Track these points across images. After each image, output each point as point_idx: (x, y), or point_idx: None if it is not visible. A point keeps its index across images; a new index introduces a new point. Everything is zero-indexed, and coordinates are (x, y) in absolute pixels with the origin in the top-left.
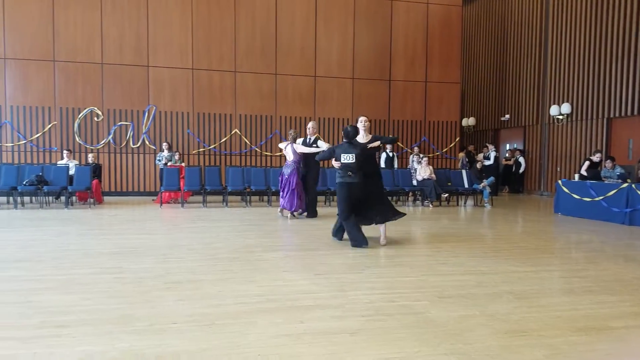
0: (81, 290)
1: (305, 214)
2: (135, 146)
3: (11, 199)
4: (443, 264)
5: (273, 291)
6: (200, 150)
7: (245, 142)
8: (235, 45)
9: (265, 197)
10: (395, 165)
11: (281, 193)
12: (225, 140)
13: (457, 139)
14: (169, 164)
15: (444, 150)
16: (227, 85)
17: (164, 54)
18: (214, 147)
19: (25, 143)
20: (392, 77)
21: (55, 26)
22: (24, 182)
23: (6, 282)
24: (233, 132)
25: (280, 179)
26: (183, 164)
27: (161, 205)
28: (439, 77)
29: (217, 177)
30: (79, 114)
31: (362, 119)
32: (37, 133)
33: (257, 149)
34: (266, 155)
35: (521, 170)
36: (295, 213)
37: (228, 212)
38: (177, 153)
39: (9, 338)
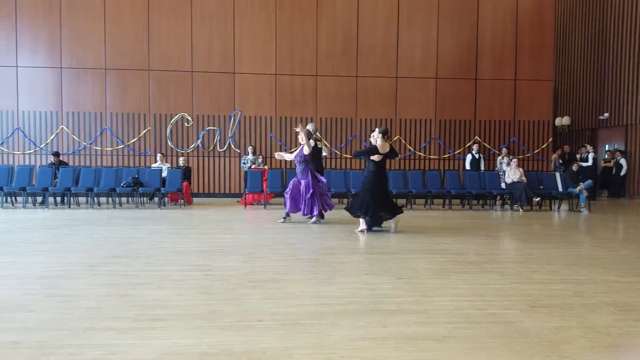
0: (174, 286)
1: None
2: (221, 150)
3: (110, 199)
4: (535, 272)
5: (354, 294)
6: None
7: (326, 145)
8: (316, 49)
9: (345, 200)
10: (482, 168)
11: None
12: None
13: (550, 140)
14: (253, 166)
15: (536, 151)
16: (308, 89)
17: (249, 61)
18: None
19: (122, 147)
20: (478, 76)
21: (150, 38)
22: (122, 184)
23: (107, 276)
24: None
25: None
26: (266, 167)
27: (245, 206)
28: (530, 74)
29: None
30: (171, 119)
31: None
32: (134, 138)
33: (337, 151)
34: (346, 158)
35: (622, 173)
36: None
37: None
38: (260, 156)
39: (109, 329)
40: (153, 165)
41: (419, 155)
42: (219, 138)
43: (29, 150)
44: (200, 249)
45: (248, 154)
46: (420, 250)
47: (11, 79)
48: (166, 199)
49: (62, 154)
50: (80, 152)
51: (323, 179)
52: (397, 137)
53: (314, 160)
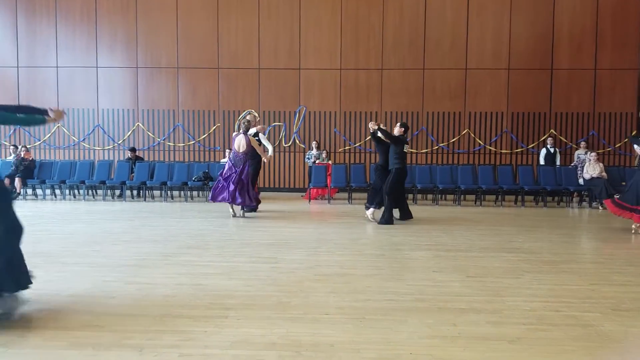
0: (243, 277)
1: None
2: (286, 145)
3: (182, 193)
4: (617, 273)
5: (422, 291)
6: (347, 148)
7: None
8: (382, 43)
9: (411, 195)
10: (558, 162)
11: (219, 184)
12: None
13: (634, 133)
14: (317, 161)
15: (617, 145)
16: (374, 83)
17: (314, 56)
18: (360, 145)
19: (193, 143)
20: (554, 66)
21: (219, 36)
22: (193, 178)
23: (181, 266)
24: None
25: (226, 170)
26: (330, 162)
27: (310, 201)
28: (612, 63)
29: (362, 174)
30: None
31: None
32: (204, 134)
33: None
34: (412, 152)
35: None
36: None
37: None
38: (324, 151)
39: (184, 316)
40: (222, 160)
41: (490, 150)
42: (284, 133)
43: (108, 146)
44: (267, 242)
45: (312, 149)
46: (491, 248)
47: (92, 79)
48: None
49: (138, 150)
50: (154, 147)
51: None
52: (465, 131)
53: (255, 153)
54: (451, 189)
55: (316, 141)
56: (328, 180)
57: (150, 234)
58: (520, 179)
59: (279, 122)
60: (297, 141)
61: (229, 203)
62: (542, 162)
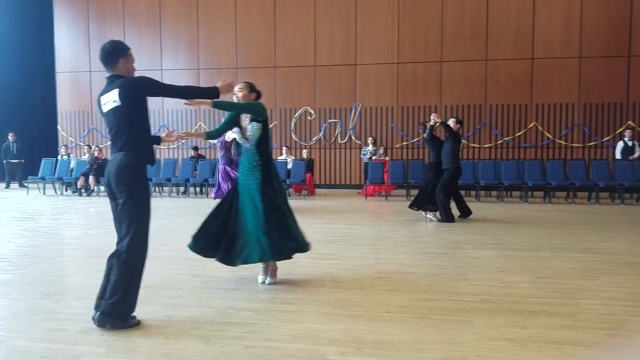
0: (302, 273)
1: None
2: (342, 142)
3: None
4: None
5: (488, 291)
6: (404, 143)
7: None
8: (442, 34)
9: (473, 192)
10: (637, 155)
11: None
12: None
13: None
14: (373, 158)
15: None
16: (433, 76)
17: (370, 51)
18: (418, 141)
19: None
20: (632, 52)
21: (276, 35)
22: None
23: None
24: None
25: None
26: (387, 158)
27: (366, 197)
28: None
29: (421, 170)
30: (295, 113)
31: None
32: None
33: (464, 140)
34: (473, 147)
35: None
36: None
37: None
38: (381, 147)
39: (247, 309)
40: (279, 157)
41: (559, 144)
42: (339, 130)
43: (173, 145)
44: (324, 238)
45: (368, 145)
46: (561, 248)
47: None
48: (291, 189)
49: (200, 148)
50: (215, 146)
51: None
52: (532, 124)
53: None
54: (517, 186)
55: (372, 137)
56: (385, 177)
57: None
58: (594, 174)
59: (335, 118)
60: (353, 137)
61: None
62: (618, 156)
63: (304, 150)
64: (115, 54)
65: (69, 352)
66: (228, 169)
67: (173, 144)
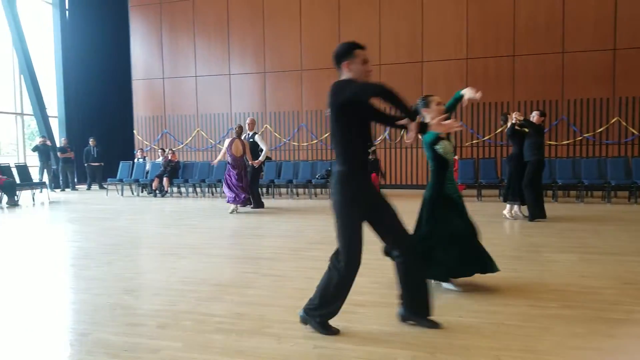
0: (371, 274)
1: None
2: (409, 141)
3: (306, 190)
4: None
5: (569, 297)
6: (474, 142)
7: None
8: (514, 27)
9: (550, 192)
10: None
11: (235, 189)
12: (501, 131)
13: None
14: None
15: None
16: (504, 71)
17: (437, 47)
18: (489, 139)
19: (316, 142)
20: None
21: (340, 36)
22: (317, 176)
23: (310, 261)
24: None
25: (231, 173)
26: (456, 157)
27: None
28: None
29: (493, 169)
30: None
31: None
32: (326, 133)
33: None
34: (550, 145)
35: None
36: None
37: (503, 206)
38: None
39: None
40: None
41: None
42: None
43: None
44: None
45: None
46: None
47: (225, 85)
48: None
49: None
50: (280, 147)
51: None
52: (615, 119)
53: (256, 153)
54: (599, 185)
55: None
56: (455, 176)
57: (280, 230)
58: None
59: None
60: (420, 136)
61: (233, 203)
62: None
63: (370, 151)
64: (338, 58)
65: (148, 346)
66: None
67: None
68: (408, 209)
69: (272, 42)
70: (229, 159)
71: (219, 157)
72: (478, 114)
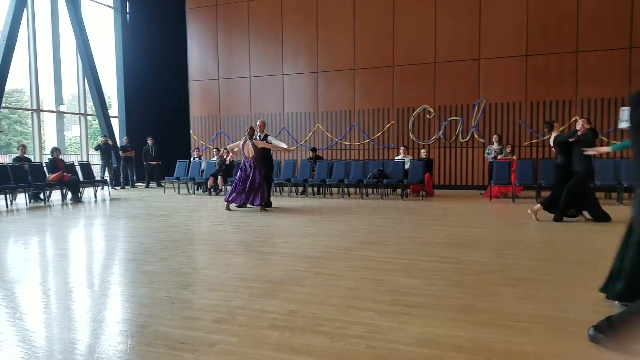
0: (424, 276)
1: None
2: (464, 140)
3: (358, 190)
4: None
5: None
6: (534, 141)
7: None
8: (577, 21)
9: (615, 194)
10: None
11: (236, 188)
12: (562, 130)
13: None
14: (499, 157)
15: None
16: (567, 68)
17: (496, 43)
18: (549, 138)
19: (368, 142)
20: None
21: (394, 34)
22: (368, 176)
23: (361, 261)
24: (572, 119)
25: (240, 175)
26: (514, 157)
27: (490, 199)
28: None
29: (553, 170)
30: (413, 112)
31: None
32: (378, 132)
33: (603, 137)
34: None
35: None
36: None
37: None
38: (508, 145)
39: (368, 309)
40: (396, 157)
41: None
42: (461, 128)
43: (292, 147)
44: (445, 241)
45: (493, 144)
46: None
47: (278, 86)
48: (408, 190)
49: (318, 149)
50: (332, 147)
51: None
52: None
53: (266, 156)
54: None
55: (497, 135)
56: (512, 177)
57: (332, 229)
58: None
59: (456, 116)
60: (476, 136)
61: (242, 206)
62: None
63: (422, 150)
64: None
65: (204, 340)
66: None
67: (292, 145)
68: (461, 210)
69: (325, 41)
70: (242, 160)
71: (230, 155)
72: (538, 112)
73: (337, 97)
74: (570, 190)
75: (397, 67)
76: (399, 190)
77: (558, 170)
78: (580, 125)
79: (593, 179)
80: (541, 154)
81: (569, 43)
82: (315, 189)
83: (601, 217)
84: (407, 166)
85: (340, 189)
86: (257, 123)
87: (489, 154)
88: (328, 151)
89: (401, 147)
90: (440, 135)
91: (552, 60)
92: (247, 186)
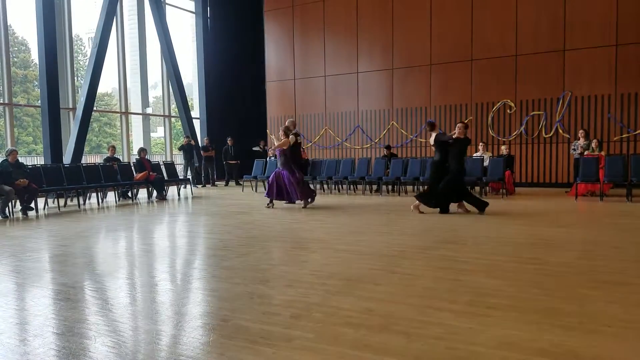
0: (504, 277)
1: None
2: (547, 136)
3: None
4: None
5: None
6: (624, 136)
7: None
8: None
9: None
10: None
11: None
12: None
13: None
14: (585, 153)
15: None
16: None
17: (582, 34)
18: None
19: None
20: None
21: (473, 28)
22: None
23: (438, 260)
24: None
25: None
26: (603, 153)
27: (576, 197)
28: None
29: None
30: (493, 107)
31: None
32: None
33: None
34: None
35: None
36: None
37: None
38: (595, 141)
39: (446, 309)
40: (475, 154)
41: None
42: (544, 123)
43: (366, 144)
44: (527, 241)
45: (579, 139)
46: None
47: (353, 84)
48: (488, 187)
49: (393, 147)
50: (407, 144)
51: (297, 172)
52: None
53: (292, 154)
54: None
55: (584, 130)
56: (600, 174)
57: (406, 227)
58: None
59: (538, 111)
60: (561, 131)
61: (287, 202)
62: None
63: (503, 146)
64: None
65: (282, 335)
66: (284, 173)
67: (367, 143)
68: (544, 209)
69: (401, 37)
70: (281, 157)
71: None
72: (629, 105)
73: (413, 93)
74: (448, 185)
75: (476, 61)
76: (477, 188)
77: (434, 166)
78: (457, 129)
79: (463, 177)
80: (632, 149)
81: None
82: (390, 186)
83: (480, 204)
84: (486, 163)
85: (416, 186)
86: (287, 123)
87: (575, 149)
88: (403, 148)
89: (480, 144)
90: (522, 131)
91: None
92: (286, 184)
